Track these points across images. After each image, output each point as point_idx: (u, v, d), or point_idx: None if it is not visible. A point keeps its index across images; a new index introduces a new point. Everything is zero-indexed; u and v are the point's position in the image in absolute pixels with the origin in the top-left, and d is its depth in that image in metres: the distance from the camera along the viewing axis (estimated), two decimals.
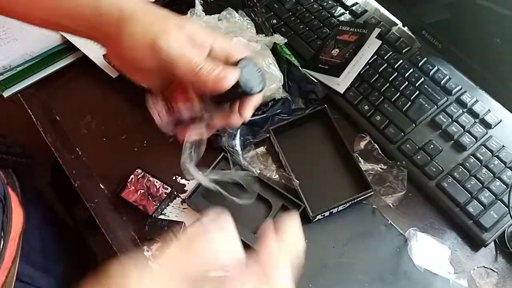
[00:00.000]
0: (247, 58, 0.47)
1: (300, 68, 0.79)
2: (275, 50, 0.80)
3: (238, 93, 0.47)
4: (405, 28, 0.85)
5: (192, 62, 0.46)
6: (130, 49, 0.47)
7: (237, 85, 0.46)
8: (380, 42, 0.82)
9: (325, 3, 0.90)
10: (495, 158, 0.71)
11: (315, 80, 0.78)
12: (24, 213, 0.71)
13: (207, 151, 0.74)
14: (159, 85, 0.52)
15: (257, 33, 0.81)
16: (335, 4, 0.90)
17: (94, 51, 0.83)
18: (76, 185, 0.74)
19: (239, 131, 0.72)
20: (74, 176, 0.75)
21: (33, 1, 0.49)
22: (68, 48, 0.84)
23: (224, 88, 0.46)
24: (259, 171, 0.71)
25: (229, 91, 0.46)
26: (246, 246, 0.65)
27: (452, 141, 0.73)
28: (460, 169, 0.70)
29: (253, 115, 0.74)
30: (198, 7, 0.79)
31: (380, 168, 0.72)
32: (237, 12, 0.82)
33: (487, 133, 0.73)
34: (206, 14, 0.80)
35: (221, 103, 0.50)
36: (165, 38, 0.45)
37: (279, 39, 0.78)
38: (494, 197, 0.68)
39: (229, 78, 0.46)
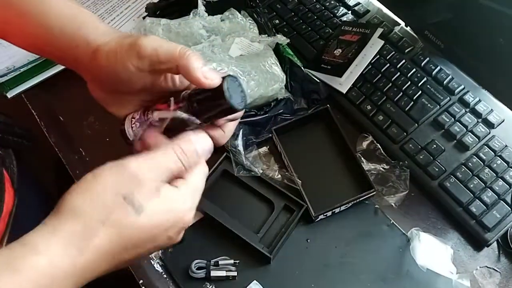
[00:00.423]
0: (232, 75, 0.46)
1: (302, 68, 0.79)
2: (277, 50, 0.80)
3: (220, 105, 0.45)
4: (408, 28, 0.85)
5: (177, 48, 0.45)
6: (109, 63, 0.46)
7: (221, 96, 0.44)
8: (383, 42, 0.82)
9: (327, 3, 0.90)
10: (498, 158, 0.71)
11: (318, 80, 0.78)
12: (16, 194, 0.71)
13: None
14: (139, 104, 0.51)
15: (260, 33, 0.81)
16: (337, 4, 0.90)
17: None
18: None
19: (241, 131, 0.72)
20: (77, 176, 0.75)
21: (22, 27, 0.50)
22: None
23: (209, 83, 0.44)
24: (261, 171, 0.71)
25: (211, 103, 0.45)
26: (249, 246, 0.66)
27: (455, 141, 0.73)
28: (463, 169, 0.70)
29: (256, 115, 0.75)
30: (201, 8, 0.79)
31: (383, 168, 0.72)
32: (240, 12, 0.82)
33: (490, 132, 0.73)
34: (208, 15, 0.80)
35: (201, 114, 0.47)
36: (142, 38, 0.45)
37: (282, 39, 0.79)
38: (497, 197, 0.68)
39: (215, 76, 0.45)
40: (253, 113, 0.75)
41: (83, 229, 0.38)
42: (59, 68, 0.84)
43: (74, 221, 0.38)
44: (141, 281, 0.66)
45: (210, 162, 0.71)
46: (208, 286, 0.65)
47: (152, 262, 0.67)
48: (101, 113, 0.81)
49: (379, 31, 0.82)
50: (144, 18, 0.80)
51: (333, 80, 0.79)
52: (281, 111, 0.76)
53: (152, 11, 0.86)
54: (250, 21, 0.81)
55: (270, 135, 0.75)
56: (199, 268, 0.65)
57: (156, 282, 0.66)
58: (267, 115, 0.75)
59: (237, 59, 0.76)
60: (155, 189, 0.42)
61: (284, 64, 0.78)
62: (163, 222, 0.42)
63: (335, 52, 0.82)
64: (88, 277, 0.40)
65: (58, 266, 0.37)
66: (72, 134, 0.79)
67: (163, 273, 0.67)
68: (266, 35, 0.80)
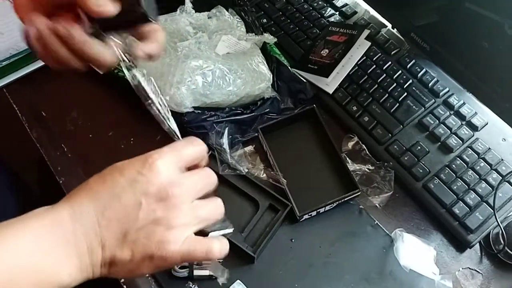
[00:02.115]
0: None
1: (289, 67, 0.79)
2: (265, 49, 0.80)
3: (133, 17, 0.46)
4: (394, 30, 0.86)
5: None
6: None
7: (134, 6, 0.45)
8: (369, 43, 0.82)
9: (315, 4, 0.90)
10: (481, 160, 0.71)
11: (304, 80, 0.78)
12: None
13: None
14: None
15: (247, 32, 0.81)
16: (325, 5, 0.90)
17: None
18: (61, 181, 0.73)
19: (227, 129, 0.72)
20: (59, 172, 0.74)
21: None
22: None
23: (101, 10, 0.44)
24: (246, 170, 0.71)
25: (124, 15, 0.45)
26: (233, 246, 0.65)
27: (439, 143, 0.74)
28: (447, 171, 0.71)
29: (242, 113, 0.74)
30: (188, 4, 0.79)
31: (368, 168, 0.72)
32: (227, 10, 0.81)
33: (473, 135, 0.74)
34: (196, 12, 0.80)
35: (114, 27, 0.47)
36: None
37: (269, 38, 0.79)
38: (479, 199, 0.68)
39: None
40: (239, 111, 0.74)
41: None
42: (41, 62, 0.82)
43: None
44: (122, 280, 0.65)
45: None
46: (191, 286, 0.64)
47: None
48: (84, 108, 0.81)
49: (366, 32, 0.83)
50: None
51: (319, 81, 0.79)
52: (267, 110, 0.75)
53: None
54: (238, 19, 0.81)
55: (256, 134, 0.75)
56: (182, 267, 0.64)
57: (138, 281, 0.65)
58: (253, 113, 0.74)
59: (224, 57, 0.76)
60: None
61: (271, 63, 0.78)
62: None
63: (322, 52, 0.82)
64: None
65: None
66: (54, 130, 0.78)
67: None
68: (254, 34, 0.79)
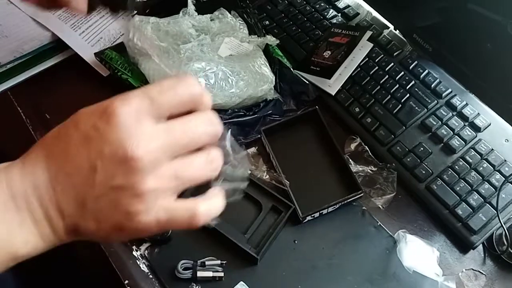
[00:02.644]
0: None
1: (291, 69, 0.79)
2: (267, 51, 0.80)
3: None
4: (397, 31, 0.86)
5: None
6: None
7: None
8: (372, 45, 0.83)
9: (317, 6, 0.90)
10: (484, 161, 0.71)
11: (307, 82, 0.78)
12: None
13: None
14: None
15: (249, 33, 0.81)
16: (327, 6, 0.90)
17: (85, 50, 0.82)
18: None
19: (229, 131, 0.72)
20: None
21: None
22: (59, 46, 0.84)
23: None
24: (249, 172, 0.71)
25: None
26: (236, 247, 0.65)
27: (442, 144, 0.74)
28: (450, 172, 0.71)
29: (244, 115, 0.74)
30: (191, 7, 0.79)
31: (370, 170, 0.72)
32: (230, 12, 0.82)
33: (476, 136, 0.74)
34: (198, 14, 0.80)
35: None
36: None
37: (271, 40, 0.79)
38: (482, 200, 0.68)
39: None
40: (242, 113, 0.75)
41: None
42: (46, 65, 0.83)
43: None
44: (126, 282, 0.65)
45: None
46: (194, 287, 0.64)
47: (138, 263, 0.67)
48: None
49: (368, 34, 0.83)
50: (133, 16, 0.80)
51: (322, 82, 0.79)
52: (270, 111, 0.76)
53: (142, 9, 0.85)
54: (240, 21, 0.81)
55: (259, 135, 0.75)
56: (185, 269, 0.64)
57: (141, 283, 0.65)
58: (256, 115, 0.74)
59: (227, 58, 0.76)
60: None
61: (274, 65, 0.78)
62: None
63: (324, 54, 0.82)
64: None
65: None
66: None
67: (149, 274, 0.66)
68: (256, 36, 0.80)
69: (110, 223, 0.35)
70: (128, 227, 0.35)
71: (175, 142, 0.35)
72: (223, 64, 0.73)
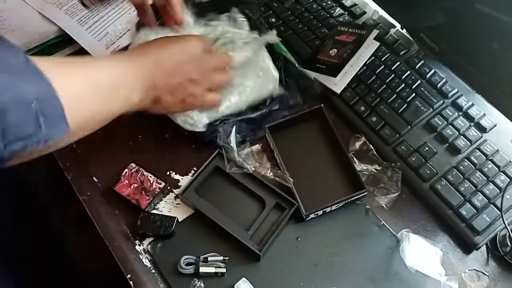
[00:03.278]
0: None
1: (296, 64, 0.78)
2: (271, 47, 0.79)
3: None
4: (403, 31, 0.86)
5: None
6: None
7: None
8: (378, 43, 0.82)
9: (324, 3, 0.90)
10: (489, 162, 0.71)
11: (312, 78, 0.78)
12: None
13: (201, 147, 0.74)
14: None
15: (252, 29, 0.78)
16: (334, 4, 0.90)
17: (92, 44, 0.83)
18: (69, 177, 0.74)
19: (234, 128, 0.72)
20: (67, 168, 0.74)
21: None
22: (65, 40, 0.84)
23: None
24: (253, 169, 0.71)
25: None
26: (239, 243, 0.65)
27: (447, 144, 0.73)
28: (454, 172, 0.70)
29: (251, 113, 0.74)
30: (189, 20, 0.77)
31: (375, 169, 0.72)
32: (229, 11, 0.79)
33: (482, 137, 0.73)
34: (200, 15, 0.78)
35: None
36: None
37: (272, 38, 0.77)
38: (487, 200, 0.68)
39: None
40: (248, 111, 0.74)
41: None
42: None
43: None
44: (128, 276, 0.65)
45: (202, 158, 0.71)
46: (196, 282, 0.64)
47: (141, 257, 0.67)
48: None
49: (375, 32, 0.83)
50: (137, 28, 0.77)
51: (327, 80, 0.79)
52: (276, 107, 0.75)
53: None
54: (241, 18, 0.79)
55: (264, 132, 0.75)
56: (188, 264, 0.65)
57: (144, 278, 0.65)
58: (262, 111, 0.74)
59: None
60: None
61: (278, 61, 0.78)
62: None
63: (330, 52, 0.82)
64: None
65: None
66: None
67: (152, 268, 0.66)
68: (257, 32, 0.78)
69: (180, 97, 0.65)
70: (187, 102, 0.67)
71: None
72: None
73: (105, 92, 0.56)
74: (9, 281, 0.81)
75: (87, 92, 0.53)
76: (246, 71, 0.74)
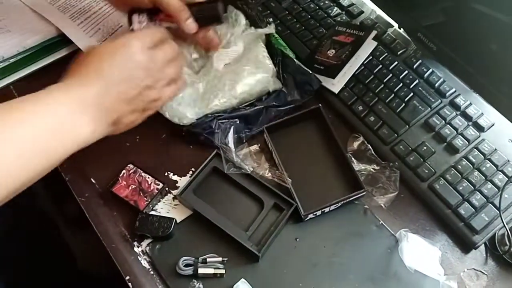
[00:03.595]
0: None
1: (294, 59, 0.78)
2: (269, 42, 0.79)
3: (215, 20, 0.70)
4: (401, 30, 0.86)
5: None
6: None
7: (215, 15, 0.69)
8: (376, 43, 0.82)
9: (321, 3, 0.90)
10: (487, 161, 0.71)
11: (310, 71, 0.77)
12: None
13: (199, 147, 0.74)
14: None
15: (250, 25, 0.79)
16: (331, 4, 0.90)
17: (83, 40, 0.82)
18: (67, 179, 0.73)
19: (232, 128, 0.72)
20: (64, 170, 0.74)
21: None
22: (62, 41, 0.83)
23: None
24: (251, 169, 0.71)
25: (209, 20, 0.70)
26: (238, 244, 0.65)
27: (445, 144, 0.73)
28: (452, 172, 0.70)
29: (247, 107, 0.74)
30: None
31: (373, 168, 0.72)
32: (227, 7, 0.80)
33: (479, 136, 0.73)
34: None
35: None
36: None
37: (269, 30, 0.77)
38: (485, 200, 0.68)
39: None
40: (244, 108, 0.74)
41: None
42: (49, 60, 0.83)
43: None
44: (127, 278, 0.65)
45: (200, 159, 0.71)
46: (195, 283, 0.64)
47: (139, 259, 0.67)
48: None
49: (373, 33, 0.83)
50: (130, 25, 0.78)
51: (325, 80, 0.79)
52: (273, 102, 0.75)
53: None
54: (239, 14, 0.79)
55: (260, 129, 0.74)
56: (186, 265, 0.65)
57: (143, 279, 0.65)
58: (259, 107, 0.74)
59: (225, 69, 0.76)
60: None
61: (276, 56, 0.78)
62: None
63: (328, 52, 0.82)
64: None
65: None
66: None
67: (150, 270, 0.66)
68: (252, 28, 0.78)
69: (141, 108, 0.61)
70: (150, 108, 0.63)
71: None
72: (217, 78, 0.74)
73: (46, 148, 0.53)
74: (6, 282, 0.81)
75: (22, 160, 0.50)
76: (239, 66, 0.74)
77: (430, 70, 0.79)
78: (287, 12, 0.89)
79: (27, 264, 0.89)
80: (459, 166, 0.71)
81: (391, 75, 0.79)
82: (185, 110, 0.72)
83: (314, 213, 0.68)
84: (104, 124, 0.57)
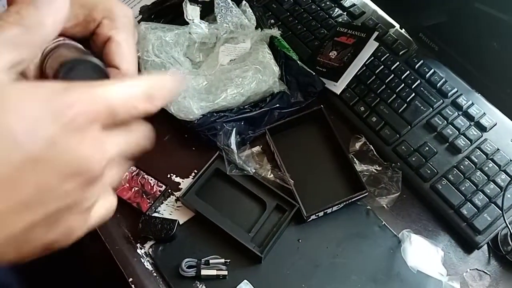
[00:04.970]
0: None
1: (298, 61, 0.78)
2: (272, 44, 0.79)
3: None
4: (403, 30, 0.86)
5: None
6: None
7: None
8: (377, 44, 0.82)
9: (323, 4, 0.90)
10: (490, 161, 0.71)
11: (313, 73, 0.78)
12: None
13: (202, 149, 0.74)
14: None
15: (255, 28, 0.80)
16: (333, 5, 0.90)
17: None
18: None
19: (234, 130, 0.72)
20: None
21: None
22: None
23: None
24: (254, 171, 0.71)
25: None
26: (240, 245, 0.65)
27: (447, 144, 0.73)
28: (455, 172, 0.70)
29: (251, 111, 0.74)
30: (191, 23, 0.79)
31: (375, 169, 0.72)
32: (239, 5, 0.81)
33: (482, 136, 0.73)
34: (206, 15, 0.80)
35: None
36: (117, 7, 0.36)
37: (274, 32, 0.78)
38: (488, 200, 0.68)
39: None
40: (249, 109, 0.74)
41: None
42: None
43: None
44: (130, 279, 0.65)
45: (203, 161, 0.71)
46: (198, 285, 0.64)
47: (142, 260, 0.67)
48: None
49: (375, 34, 0.83)
50: (139, 22, 0.79)
51: (327, 81, 0.79)
52: (277, 104, 0.75)
53: (147, 15, 0.85)
54: (250, 13, 0.80)
55: (263, 130, 0.75)
56: (189, 267, 0.65)
57: (146, 281, 0.65)
58: (262, 109, 0.74)
59: (229, 64, 0.76)
60: None
61: (279, 58, 0.78)
62: None
63: (330, 54, 0.82)
64: None
65: None
66: None
67: (153, 272, 0.66)
68: (259, 29, 0.79)
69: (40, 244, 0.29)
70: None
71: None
72: (220, 72, 0.74)
73: None
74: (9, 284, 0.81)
75: None
76: (246, 65, 0.75)
77: (432, 70, 0.79)
78: (288, 13, 0.89)
79: (30, 266, 0.89)
80: (462, 166, 0.71)
81: (392, 75, 0.79)
82: (190, 104, 0.71)
83: (317, 214, 0.68)
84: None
